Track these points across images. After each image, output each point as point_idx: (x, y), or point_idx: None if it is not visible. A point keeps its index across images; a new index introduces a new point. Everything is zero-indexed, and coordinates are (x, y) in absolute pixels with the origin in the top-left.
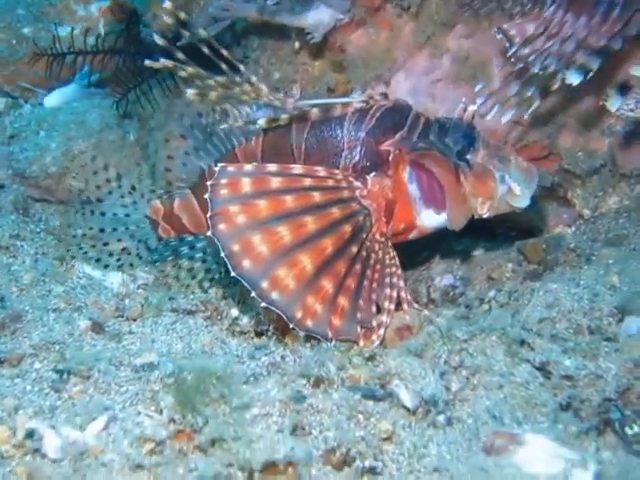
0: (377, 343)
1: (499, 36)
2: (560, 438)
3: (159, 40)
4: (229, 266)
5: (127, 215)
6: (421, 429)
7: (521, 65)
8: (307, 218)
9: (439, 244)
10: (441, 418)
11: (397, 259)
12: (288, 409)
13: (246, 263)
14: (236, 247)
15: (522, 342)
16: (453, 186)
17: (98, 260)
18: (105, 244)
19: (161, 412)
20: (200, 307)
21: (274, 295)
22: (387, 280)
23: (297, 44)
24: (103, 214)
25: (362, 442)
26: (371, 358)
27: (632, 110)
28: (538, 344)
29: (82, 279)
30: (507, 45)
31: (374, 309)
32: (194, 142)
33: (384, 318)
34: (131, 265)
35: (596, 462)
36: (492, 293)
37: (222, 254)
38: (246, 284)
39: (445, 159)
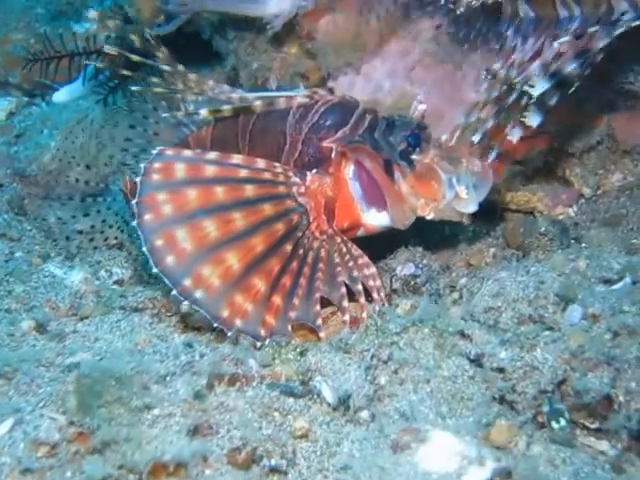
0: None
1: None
2: (471, 433)
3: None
4: (151, 262)
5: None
6: (338, 426)
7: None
8: (236, 214)
9: (428, 230)
10: (364, 414)
11: (353, 252)
12: (193, 409)
13: (169, 260)
14: (159, 242)
15: (462, 334)
16: (385, 183)
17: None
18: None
19: (64, 414)
20: (148, 304)
21: (197, 294)
22: (339, 279)
23: (270, 33)
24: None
25: (270, 441)
26: (303, 353)
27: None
28: (477, 335)
29: (47, 278)
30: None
31: (317, 308)
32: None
33: (340, 317)
34: (116, 238)
35: (495, 459)
36: (464, 281)
37: (144, 248)
38: (168, 282)
39: (375, 155)
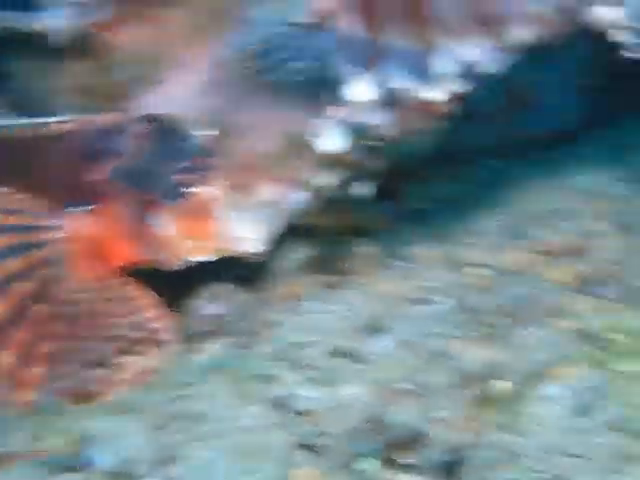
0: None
1: None
2: None
3: None
4: None
5: None
6: None
7: None
8: None
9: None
10: None
11: (129, 295)
12: None
13: None
14: None
15: (266, 376)
16: (135, 227)
17: None
18: None
19: None
20: None
21: None
22: (112, 332)
23: (53, 49)
24: None
25: None
26: (78, 419)
27: None
28: (282, 376)
29: None
30: None
31: (91, 371)
32: None
33: (120, 375)
34: None
35: None
36: (279, 315)
37: None
38: None
39: (122, 197)
